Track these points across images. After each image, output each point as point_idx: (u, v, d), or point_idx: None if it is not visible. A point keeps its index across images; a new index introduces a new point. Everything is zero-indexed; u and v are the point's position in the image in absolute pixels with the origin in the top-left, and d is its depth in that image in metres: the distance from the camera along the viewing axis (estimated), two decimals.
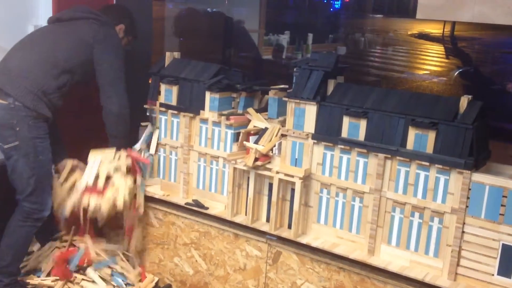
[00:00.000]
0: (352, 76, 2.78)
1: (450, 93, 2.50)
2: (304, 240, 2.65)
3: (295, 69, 2.71)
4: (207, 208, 2.97)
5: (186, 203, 3.01)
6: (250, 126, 2.86)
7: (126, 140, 3.06)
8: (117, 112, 2.94)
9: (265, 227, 2.78)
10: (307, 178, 2.64)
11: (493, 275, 2.23)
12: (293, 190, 2.67)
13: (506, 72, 3.11)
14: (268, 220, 2.79)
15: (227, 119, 2.90)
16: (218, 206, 2.98)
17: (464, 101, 2.28)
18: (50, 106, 2.86)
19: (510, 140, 2.73)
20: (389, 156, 2.40)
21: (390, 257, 2.47)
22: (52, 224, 3.21)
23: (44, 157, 2.85)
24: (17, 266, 2.92)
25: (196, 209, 2.98)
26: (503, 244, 2.19)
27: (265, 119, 2.91)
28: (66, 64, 2.89)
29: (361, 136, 2.48)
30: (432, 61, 3.26)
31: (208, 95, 2.93)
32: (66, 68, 2.89)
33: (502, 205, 2.17)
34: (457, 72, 3.18)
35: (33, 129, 2.80)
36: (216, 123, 2.94)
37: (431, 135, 2.29)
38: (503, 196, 2.16)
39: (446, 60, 3.21)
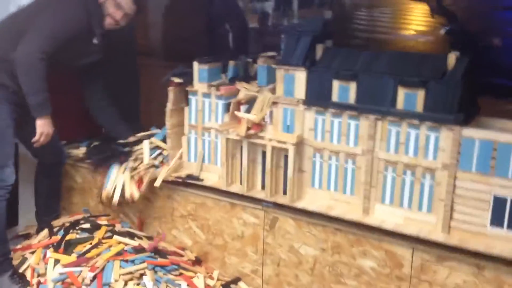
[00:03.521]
0: (339, 40, 2.78)
1: (437, 51, 2.53)
2: (300, 204, 2.70)
3: (282, 36, 2.72)
4: (202, 180, 3.01)
5: (177, 177, 3.03)
6: (241, 96, 2.88)
7: (41, 100, 2.86)
8: (20, 61, 2.80)
9: (260, 195, 2.82)
10: (299, 144, 2.67)
11: (486, 226, 2.30)
12: (286, 156, 2.70)
13: (492, 28, 3.14)
14: (263, 187, 2.83)
15: (217, 90, 2.91)
16: (212, 177, 3.02)
17: (451, 58, 2.32)
18: (10, 74, 2.85)
19: (498, 95, 2.77)
20: (380, 117, 2.44)
21: (385, 216, 2.52)
22: (57, 205, 3.26)
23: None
24: None
25: (191, 182, 3.01)
26: (494, 196, 2.25)
27: (254, 87, 2.92)
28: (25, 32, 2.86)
29: (352, 99, 2.51)
30: (418, 20, 3.28)
31: (196, 66, 2.94)
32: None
33: (492, 158, 2.22)
34: (443, 30, 3.20)
35: None
36: (206, 94, 2.95)
37: (421, 94, 2.33)
38: (493, 149, 2.21)
39: (432, 19, 3.22)
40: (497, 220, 2.26)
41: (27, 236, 3.33)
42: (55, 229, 3.18)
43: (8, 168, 2.88)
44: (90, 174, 3.42)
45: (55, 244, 2.99)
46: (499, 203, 2.25)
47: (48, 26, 2.86)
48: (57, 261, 2.86)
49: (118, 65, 3.68)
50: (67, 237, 3.03)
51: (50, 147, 3.04)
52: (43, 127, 2.88)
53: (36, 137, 2.89)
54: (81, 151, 3.49)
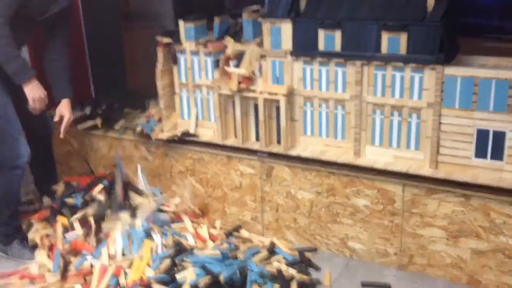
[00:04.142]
0: None
1: None
2: (294, 152, 2.82)
3: None
4: (197, 136, 3.11)
5: (174, 135, 3.12)
6: (229, 51, 2.95)
7: (18, 66, 2.79)
8: None
9: (255, 146, 2.94)
10: (290, 94, 2.78)
11: (471, 158, 2.45)
12: (278, 107, 2.81)
13: None
14: (257, 139, 2.95)
15: (205, 47, 2.98)
16: (207, 132, 3.12)
17: (430, 0, 2.41)
18: None
19: (476, 33, 2.87)
20: (366, 62, 2.54)
21: (375, 156, 2.66)
22: (53, 172, 3.34)
23: None
24: (6, 214, 2.94)
25: (187, 138, 3.11)
26: (477, 129, 2.39)
27: (241, 42, 3.00)
28: None
29: (337, 47, 2.60)
30: None
31: (182, 24, 2.99)
32: None
33: (474, 93, 2.35)
34: None
35: None
36: (195, 52, 3.02)
37: (403, 37, 2.43)
38: (474, 85, 2.34)
39: None
40: (481, 151, 2.41)
41: (30, 202, 3.43)
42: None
43: (21, 144, 2.88)
44: (86, 138, 3.51)
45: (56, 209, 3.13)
46: (482, 136, 2.39)
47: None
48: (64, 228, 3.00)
49: (101, 29, 3.74)
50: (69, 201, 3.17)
51: (36, 119, 3.03)
52: (31, 91, 2.83)
53: (30, 104, 2.86)
54: (74, 116, 3.56)
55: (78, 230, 2.94)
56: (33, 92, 2.84)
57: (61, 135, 3.07)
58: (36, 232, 3.07)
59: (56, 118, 3.09)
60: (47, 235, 3.03)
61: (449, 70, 2.38)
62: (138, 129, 3.25)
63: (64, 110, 3.09)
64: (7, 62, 2.76)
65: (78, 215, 3.05)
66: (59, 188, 3.36)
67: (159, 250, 2.78)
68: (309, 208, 2.85)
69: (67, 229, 3.00)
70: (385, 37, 2.46)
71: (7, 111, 2.86)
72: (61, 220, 3.06)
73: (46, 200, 3.31)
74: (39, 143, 3.23)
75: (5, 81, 2.84)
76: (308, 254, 2.84)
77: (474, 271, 2.52)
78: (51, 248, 2.92)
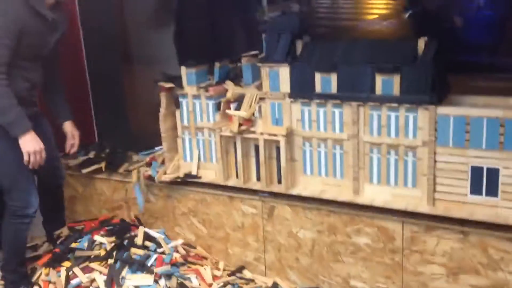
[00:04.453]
0: (310, 32, 2.95)
1: (401, 35, 2.68)
2: (294, 191, 2.88)
3: (263, 35, 2.89)
4: (200, 177, 3.17)
5: (176, 177, 3.19)
6: (229, 95, 3.04)
7: (13, 118, 2.75)
8: None
9: (256, 186, 3.00)
10: (289, 135, 2.85)
11: (466, 195, 2.49)
12: (278, 148, 2.88)
13: (453, 8, 3.31)
14: (258, 179, 3.01)
15: (206, 91, 3.07)
16: (209, 174, 3.18)
17: (421, 42, 2.51)
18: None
19: (464, 71, 2.96)
20: (361, 103, 2.62)
21: (374, 194, 2.71)
22: (61, 215, 3.41)
23: (7, 157, 2.84)
24: (15, 261, 3.01)
25: (190, 180, 3.18)
26: (471, 166, 2.45)
27: (240, 86, 3.09)
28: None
29: (334, 88, 2.68)
30: (381, 4, 3.46)
31: (184, 70, 3.09)
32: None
33: (466, 132, 2.42)
34: (407, 14, 3.37)
35: None
36: (196, 96, 3.11)
37: (396, 78, 2.51)
38: (466, 124, 2.41)
39: (395, 2, 3.40)
40: (476, 188, 2.46)
41: (34, 248, 3.46)
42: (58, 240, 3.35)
43: (31, 195, 2.94)
44: (90, 182, 3.57)
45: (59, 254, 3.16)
46: (476, 173, 2.44)
47: None
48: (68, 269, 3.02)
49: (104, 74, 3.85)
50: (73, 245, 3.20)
51: (50, 170, 3.12)
52: (26, 145, 2.77)
53: (25, 158, 2.79)
54: (77, 161, 3.64)
55: (82, 277, 2.97)
56: (28, 145, 2.78)
57: (74, 150, 3.31)
58: (40, 277, 3.10)
59: (70, 139, 3.29)
60: (52, 281, 3.06)
61: (442, 110, 2.45)
62: (142, 172, 3.32)
63: (73, 129, 3.28)
64: (1, 113, 2.72)
65: (82, 263, 3.07)
66: (63, 232, 3.40)
67: None
68: (311, 247, 2.88)
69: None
70: (379, 78, 2.55)
71: (20, 162, 2.82)
72: (66, 265, 3.09)
73: (51, 246, 3.35)
74: (52, 193, 3.31)
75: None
76: None
77: None
78: None
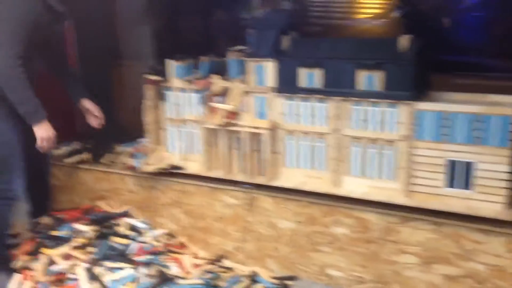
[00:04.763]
0: (300, 30, 3.05)
1: (392, 33, 2.80)
2: (276, 183, 2.97)
3: (250, 30, 2.98)
4: (183, 169, 3.24)
5: (160, 168, 3.25)
6: (215, 88, 3.12)
7: (31, 108, 2.89)
8: None
9: (239, 177, 3.07)
10: (273, 128, 2.94)
11: (441, 187, 2.62)
12: (261, 141, 2.97)
13: (443, 8, 3.45)
14: (241, 171, 3.09)
15: (192, 84, 3.14)
16: (192, 165, 3.25)
17: (404, 40, 2.63)
18: None
19: (449, 70, 3.10)
20: (344, 98, 2.73)
21: (353, 186, 2.82)
22: (46, 203, 3.43)
23: (5, 139, 2.92)
24: None
25: (174, 171, 3.24)
26: (448, 160, 2.57)
27: (226, 79, 3.17)
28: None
29: (317, 84, 2.79)
30: (373, 4, 3.58)
31: (170, 63, 3.16)
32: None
33: (443, 127, 2.54)
34: (396, 13, 3.50)
35: None
36: (182, 89, 3.18)
37: (378, 75, 2.63)
38: (443, 119, 2.53)
39: (387, 2, 3.53)
40: (451, 181, 2.59)
41: (15, 236, 3.47)
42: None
43: (18, 179, 2.98)
44: (74, 172, 3.61)
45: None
46: (452, 166, 2.57)
47: (7, 29, 2.79)
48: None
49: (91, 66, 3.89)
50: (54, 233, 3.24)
51: (37, 157, 3.13)
52: (41, 132, 2.92)
53: (39, 143, 2.94)
54: (62, 151, 3.67)
55: (61, 264, 2.99)
56: (43, 132, 2.93)
57: (100, 123, 3.33)
58: (21, 264, 3.12)
59: (90, 115, 3.32)
60: (31, 268, 3.07)
61: (421, 105, 2.57)
62: (125, 161, 3.37)
63: (90, 105, 3.31)
64: (20, 103, 2.86)
65: (62, 249, 3.10)
66: (45, 221, 3.42)
67: (143, 280, 2.86)
68: (290, 237, 2.97)
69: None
70: (361, 74, 2.66)
71: (15, 145, 2.94)
72: (46, 252, 3.11)
73: (32, 233, 3.36)
74: (38, 180, 3.32)
75: (18, 118, 2.91)
76: (288, 282, 2.94)
77: None
78: (35, 280, 2.97)
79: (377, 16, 3.55)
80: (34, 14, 2.86)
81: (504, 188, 2.48)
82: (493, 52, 3.24)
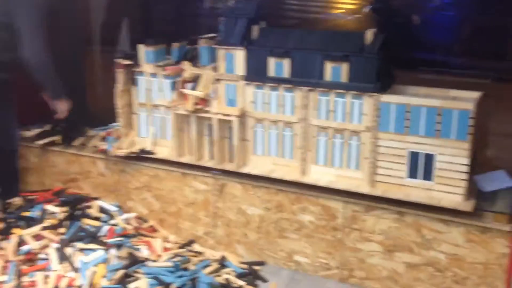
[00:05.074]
0: (273, 21, 3.08)
1: (363, 28, 2.86)
2: (245, 170, 3.01)
3: (221, 19, 2.99)
4: (154, 153, 3.27)
5: (130, 152, 3.27)
6: (186, 74, 3.13)
7: (58, 90, 3.31)
8: (30, 60, 3.13)
9: (209, 163, 3.11)
10: (242, 116, 2.97)
11: (404, 178, 2.68)
12: (231, 128, 3.00)
13: (413, 5, 3.49)
14: (211, 157, 3.13)
15: (164, 69, 3.15)
16: (163, 150, 3.28)
17: (369, 34, 2.66)
18: None
19: (417, 66, 3.16)
20: (312, 88, 2.77)
21: (320, 175, 2.87)
22: (15, 185, 3.48)
23: None
24: None
25: (144, 155, 3.27)
26: (410, 152, 2.63)
27: (197, 66, 3.18)
28: None
29: (286, 73, 2.82)
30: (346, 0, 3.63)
31: (142, 48, 3.17)
32: None
33: (406, 119, 2.60)
34: (366, 9, 3.54)
35: None
36: (153, 74, 3.19)
37: (344, 67, 2.67)
38: (406, 111, 2.58)
39: None
40: (413, 172, 2.65)
41: None
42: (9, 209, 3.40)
43: None
44: (45, 154, 3.61)
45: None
46: (414, 158, 2.63)
47: (38, 23, 3.14)
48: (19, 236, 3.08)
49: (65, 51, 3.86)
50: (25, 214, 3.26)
51: (2, 134, 3.23)
52: (61, 105, 3.35)
53: (59, 114, 3.37)
54: (33, 132, 3.68)
55: (32, 244, 3.02)
56: (63, 105, 3.37)
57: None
58: None
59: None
60: (2, 247, 3.11)
61: (385, 98, 2.62)
62: (96, 145, 3.39)
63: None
64: (49, 84, 3.26)
65: (33, 229, 3.13)
66: (16, 202, 3.44)
67: (113, 262, 2.91)
68: (259, 223, 3.03)
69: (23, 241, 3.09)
70: (328, 66, 2.70)
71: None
72: (17, 232, 3.13)
73: (3, 214, 3.39)
74: (5, 157, 3.38)
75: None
76: (256, 267, 3.01)
77: (408, 283, 2.73)
78: (6, 259, 3.00)
79: (350, 12, 3.59)
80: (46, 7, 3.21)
81: (464, 180, 2.55)
82: (458, 50, 3.31)
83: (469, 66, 3.17)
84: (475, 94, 2.66)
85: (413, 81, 2.87)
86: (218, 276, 2.89)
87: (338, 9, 3.70)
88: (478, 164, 2.76)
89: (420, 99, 2.58)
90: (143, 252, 3.02)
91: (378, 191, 2.72)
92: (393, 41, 2.73)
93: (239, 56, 2.90)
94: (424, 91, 2.74)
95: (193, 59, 3.25)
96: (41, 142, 3.59)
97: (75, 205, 3.31)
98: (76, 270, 2.83)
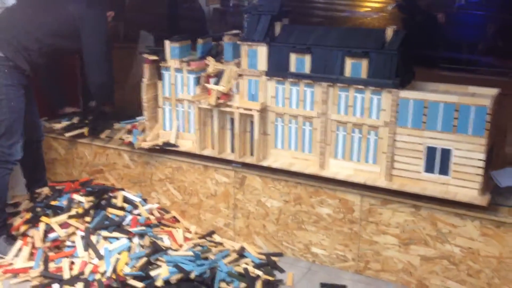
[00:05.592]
0: (298, 19, 3.17)
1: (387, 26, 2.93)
2: (265, 163, 3.09)
3: (245, 15, 3.08)
4: (177, 146, 3.37)
5: (155, 145, 3.37)
6: (210, 70, 3.23)
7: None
8: (99, 83, 3.43)
9: (230, 157, 3.20)
10: (263, 110, 3.06)
11: (420, 172, 2.73)
12: (252, 122, 3.08)
13: (431, 4, 3.55)
14: (232, 150, 3.22)
15: (188, 65, 3.26)
16: (186, 143, 3.38)
17: (390, 31, 2.73)
18: (29, 60, 3.18)
19: (440, 64, 3.22)
20: (331, 84, 2.84)
21: (338, 169, 2.94)
22: (42, 175, 3.59)
23: (16, 104, 3.14)
24: None
25: (168, 148, 3.37)
26: (427, 146, 2.69)
27: (221, 62, 3.28)
28: (48, 32, 3.23)
29: (307, 69, 2.90)
30: None
31: (168, 44, 3.28)
32: (47, 35, 3.22)
33: (424, 115, 2.65)
34: (390, 7, 3.60)
35: (8, 77, 3.11)
36: (178, 70, 3.29)
37: (364, 63, 2.73)
38: (424, 107, 2.64)
39: None
40: (430, 166, 2.70)
41: (16, 205, 3.63)
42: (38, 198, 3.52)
43: (18, 144, 3.17)
44: (73, 146, 3.74)
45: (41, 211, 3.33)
46: (431, 152, 2.68)
47: (104, 44, 3.37)
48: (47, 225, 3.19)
49: None
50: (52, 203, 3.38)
51: (30, 125, 3.32)
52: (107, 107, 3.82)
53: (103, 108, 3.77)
54: (62, 125, 3.81)
55: (59, 232, 3.14)
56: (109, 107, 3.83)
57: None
58: (21, 231, 3.27)
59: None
60: (31, 235, 3.22)
61: (403, 94, 2.68)
62: (122, 138, 3.50)
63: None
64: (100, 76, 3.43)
65: (60, 217, 3.24)
66: (44, 191, 3.57)
67: (136, 250, 3.01)
68: (278, 215, 3.11)
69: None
70: (348, 62, 2.77)
71: (21, 113, 3.19)
72: (45, 221, 3.25)
73: (32, 203, 3.51)
74: (32, 147, 3.47)
75: (25, 90, 3.22)
76: (274, 258, 3.08)
77: (422, 276, 2.79)
78: (33, 246, 3.12)
79: (375, 10, 3.65)
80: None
81: (479, 175, 2.60)
82: (482, 49, 3.35)
83: (492, 65, 3.22)
84: (494, 91, 2.70)
85: (433, 78, 2.93)
86: (237, 265, 2.97)
87: (363, 7, 3.77)
88: (495, 159, 2.80)
89: (438, 95, 2.63)
90: (165, 242, 3.12)
91: (395, 185, 2.78)
92: (416, 39, 2.79)
93: (262, 52, 2.98)
94: (444, 87, 2.80)
95: (218, 55, 3.35)
96: (70, 134, 3.71)
97: (101, 195, 3.42)
98: (100, 257, 2.94)
